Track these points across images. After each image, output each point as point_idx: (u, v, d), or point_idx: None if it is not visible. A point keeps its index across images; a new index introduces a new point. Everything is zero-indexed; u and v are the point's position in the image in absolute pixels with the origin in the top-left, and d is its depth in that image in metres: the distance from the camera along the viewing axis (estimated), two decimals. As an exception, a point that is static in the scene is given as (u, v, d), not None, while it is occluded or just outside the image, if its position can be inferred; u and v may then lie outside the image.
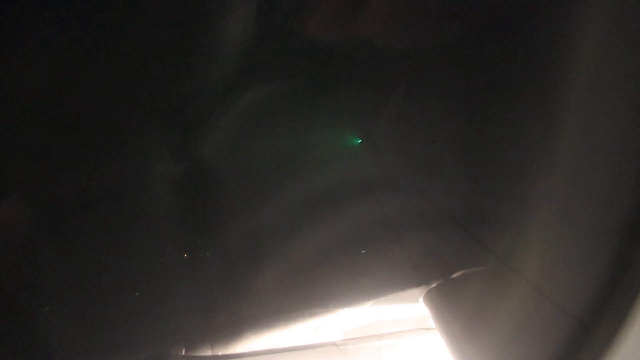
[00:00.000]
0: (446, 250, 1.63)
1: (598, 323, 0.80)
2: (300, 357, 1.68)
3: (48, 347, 1.36)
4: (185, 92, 1.47)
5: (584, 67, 0.92)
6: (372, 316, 1.80)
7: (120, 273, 1.48)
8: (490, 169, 1.44)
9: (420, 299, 1.63)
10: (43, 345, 1.35)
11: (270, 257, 1.66)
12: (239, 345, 1.63)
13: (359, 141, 1.82)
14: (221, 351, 1.61)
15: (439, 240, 1.66)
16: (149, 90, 1.39)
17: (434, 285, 1.58)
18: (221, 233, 1.64)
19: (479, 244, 1.43)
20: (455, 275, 1.52)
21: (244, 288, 1.65)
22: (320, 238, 1.69)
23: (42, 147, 1.31)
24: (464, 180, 1.55)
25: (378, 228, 1.74)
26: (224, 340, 1.62)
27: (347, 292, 1.69)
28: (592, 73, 0.90)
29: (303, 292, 1.69)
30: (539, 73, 1.13)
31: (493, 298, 1.25)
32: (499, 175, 1.39)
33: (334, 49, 1.45)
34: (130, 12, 1.20)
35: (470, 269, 1.48)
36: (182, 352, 1.57)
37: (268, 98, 1.59)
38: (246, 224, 1.67)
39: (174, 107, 1.48)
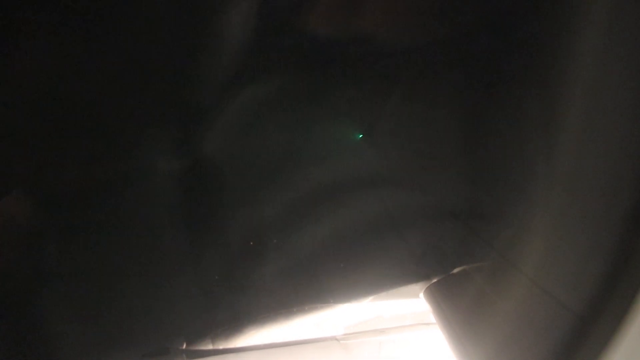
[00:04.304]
0: (447, 246, 1.63)
1: (598, 318, 0.80)
2: (300, 352, 1.69)
3: (48, 342, 1.36)
4: (185, 87, 1.46)
5: (586, 63, 0.91)
6: (372, 311, 1.81)
7: (121, 268, 1.48)
8: (491, 164, 1.43)
9: (421, 295, 1.63)
10: (43, 340, 1.36)
11: (271, 252, 1.66)
12: (239, 340, 1.64)
13: (360, 136, 1.82)
14: (222, 345, 1.62)
15: (440, 236, 1.66)
16: (150, 86, 1.39)
17: (435, 280, 1.58)
18: (222, 228, 1.65)
19: (480, 240, 1.43)
20: (456, 270, 1.52)
21: (244, 283, 1.65)
22: (321, 233, 1.69)
23: (43, 143, 1.31)
24: (465, 176, 1.55)
25: (379, 223, 1.74)
26: (225, 334, 1.62)
27: (348, 287, 1.69)
28: (594, 70, 0.90)
29: (304, 287, 1.69)
30: (541, 69, 1.13)
31: (493, 294, 1.25)
32: (500, 171, 1.38)
33: (335, 44, 1.44)
34: (130, 8, 1.20)
35: (470, 265, 1.48)
36: (182, 346, 1.57)
37: (269, 93, 1.58)
38: (247, 219, 1.67)
39: (174, 103, 1.48)
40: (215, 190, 1.63)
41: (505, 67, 1.32)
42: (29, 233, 1.30)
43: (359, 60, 1.56)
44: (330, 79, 1.60)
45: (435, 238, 1.67)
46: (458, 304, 1.43)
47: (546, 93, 1.09)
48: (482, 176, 1.47)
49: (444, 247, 1.64)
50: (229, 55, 1.40)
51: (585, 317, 0.84)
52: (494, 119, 1.41)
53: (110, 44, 1.24)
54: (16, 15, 1.08)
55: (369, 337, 1.76)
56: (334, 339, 1.73)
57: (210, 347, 1.61)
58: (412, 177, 1.77)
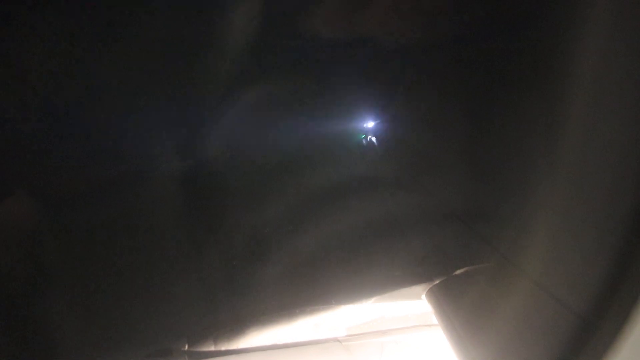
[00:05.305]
0: (449, 247, 1.62)
1: (601, 320, 0.79)
2: (303, 353, 1.68)
3: (51, 343, 1.37)
4: (190, 90, 1.47)
5: (586, 65, 0.91)
6: (374, 312, 1.80)
7: (124, 269, 1.48)
8: (494, 166, 1.43)
9: (423, 296, 1.62)
10: (46, 341, 1.36)
11: (274, 253, 1.66)
12: (241, 341, 1.64)
13: (362, 137, 1.82)
14: (224, 347, 1.61)
15: (443, 237, 1.65)
16: (154, 88, 1.39)
17: (437, 281, 1.58)
18: (225, 229, 1.65)
19: (482, 241, 1.43)
20: (458, 272, 1.52)
21: (247, 284, 1.65)
22: (323, 235, 1.69)
23: (44, 143, 1.31)
24: (467, 178, 1.54)
25: (382, 225, 1.74)
26: (227, 335, 1.62)
27: (350, 288, 1.69)
28: (594, 71, 0.90)
29: (306, 288, 1.69)
30: (543, 71, 1.13)
31: (496, 295, 1.25)
32: (503, 173, 1.38)
33: (338, 46, 1.44)
34: (136, 10, 1.20)
35: (473, 266, 1.47)
36: (185, 347, 1.57)
37: (272, 95, 1.58)
38: (250, 220, 1.67)
39: (178, 105, 1.49)
40: (218, 192, 1.63)
41: (508, 69, 1.32)
42: (30, 233, 1.31)
43: (363, 62, 1.56)
44: (334, 81, 1.60)
45: (438, 239, 1.67)
46: (460, 305, 1.42)
47: (549, 95, 1.09)
48: (485, 178, 1.47)
49: (446, 249, 1.63)
50: (234, 58, 1.40)
51: (588, 318, 0.83)
52: (496, 122, 1.40)
53: (113, 45, 1.25)
54: (19, 16, 1.09)
55: (371, 338, 1.75)
56: (336, 340, 1.72)
57: (212, 348, 1.61)
58: (415, 178, 1.77)
